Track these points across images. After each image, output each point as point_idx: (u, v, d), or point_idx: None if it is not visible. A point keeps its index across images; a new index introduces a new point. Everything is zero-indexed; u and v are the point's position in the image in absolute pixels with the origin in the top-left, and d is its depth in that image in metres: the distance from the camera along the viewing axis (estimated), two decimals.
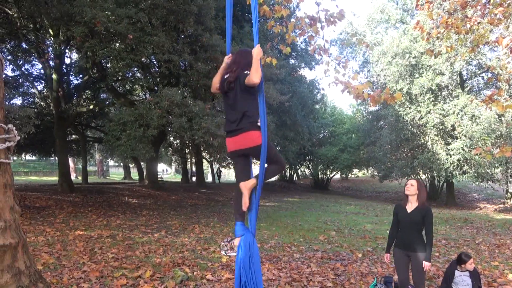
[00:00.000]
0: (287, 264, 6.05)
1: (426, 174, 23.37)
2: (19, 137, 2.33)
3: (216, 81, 3.00)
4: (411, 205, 3.87)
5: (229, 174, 49.62)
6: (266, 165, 2.78)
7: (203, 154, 24.31)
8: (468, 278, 4.10)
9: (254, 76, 2.60)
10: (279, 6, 5.13)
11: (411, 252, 3.80)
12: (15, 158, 32.51)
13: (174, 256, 6.06)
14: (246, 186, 2.73)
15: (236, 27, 15.22)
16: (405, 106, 20.73)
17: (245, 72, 2.75)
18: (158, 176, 23.86)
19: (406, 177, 22.55)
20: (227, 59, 3.05)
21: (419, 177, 23.75)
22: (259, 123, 2.72)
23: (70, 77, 16.92)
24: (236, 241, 2.77)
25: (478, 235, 10.14)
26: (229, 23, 3.08)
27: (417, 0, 7.06)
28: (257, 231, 9.39)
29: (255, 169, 3.11)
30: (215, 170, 33.48)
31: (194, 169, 32.25)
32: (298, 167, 35.33)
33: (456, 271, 4.19)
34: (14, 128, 2.30)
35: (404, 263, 3.89)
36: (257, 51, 2.70)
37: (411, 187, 3.86)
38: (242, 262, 2.70)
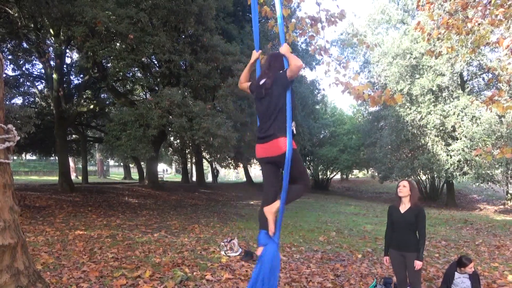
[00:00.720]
0: (286, 264, 6.05)
1: (427, 175, 23.36)
2: (19, 137, 2.33)
3: (244, 78, 3.10)
4: (404, 206, 3.92)
5: (229, 174, 49.63)
6: (289, 184, 2.67)
7: (203, 154, 24.32)
8: (468, 280, 4.09)
9: (294, 62, 2.66)
10: None
11: (406, 253, 3.85)
12: (15, 157, 32.52)
13: (174, 256, 6.06)
14: (270, 211, 2.67)
15: (237, 27, 15.22)
16: (406, 106, 20.73)
17: (280, 72, 2.81)
18: (159, 176, 23.87)
19: (406, 178, 22.58)
20: (257, 55, 3.10)
21: (419, 178, 23.77)
22: (293, 128, 2.74)
23: (71, 77, 16.91)
24: (259, 251, 2.66)
25: (478, 236, 10.13)
26: (255, 20, 3.22)
27: (418, 0, 7.05)
28: (257, 231, 9.37)
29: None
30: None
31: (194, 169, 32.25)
32: None
33: (455, 273, 4.19)
34: (14, 128, 2.30)
35: (400, 263, 3.93)
36: (286, 48, 2.78)
37: (404, 189, 3.91)
38: (263, 273, 2.55)
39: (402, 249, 3.87)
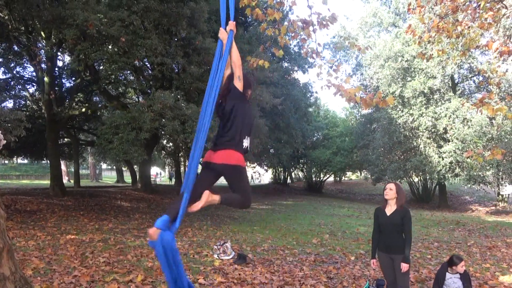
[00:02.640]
0: (280, 267, 6.03)
1: (419, 177, 23.50)
2: (5, 141, 2.30)
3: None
4: (390, 208, 3.93)
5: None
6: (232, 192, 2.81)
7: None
8: (459, 280, 4.11)
9: (237, 53, 2.88)
10: (271, 9, 5.14)
11: (393, 255, 3.87)
12: (6, 161, 32.17)
13: None
14: (208, 198, 2.69)
15: None
16: (398, 109, 20.86)
17: (233, 85, 2.89)
18: (152, 179, 23.71)
19: (399, 180, 22.70)
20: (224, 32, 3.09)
21: (411, 180, 23.91)
22: (244, 145, 2.82)
23: (62, 80, 16.78)
24: (152, 231, 2.57)
25: (470, 238, 10.20)
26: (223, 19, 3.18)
27: (409, 4, 7.11)
28: (250, 234, 9.37)
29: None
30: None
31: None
32: (291, 170, 35.35)
33: (447, 273, 4.20)
34: (1, 131, 2.27)
35: (389, 265, 3.95)
36: (231, 25, 3.01)
37: (390, 191, 3.92)
38: (171, 256, 2.59)
39: (390, 252, 3.89)
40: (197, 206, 2.67)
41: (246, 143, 2.85)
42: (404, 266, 3.74)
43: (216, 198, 2.72)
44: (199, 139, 2.75)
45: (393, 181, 4.94)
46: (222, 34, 3.03)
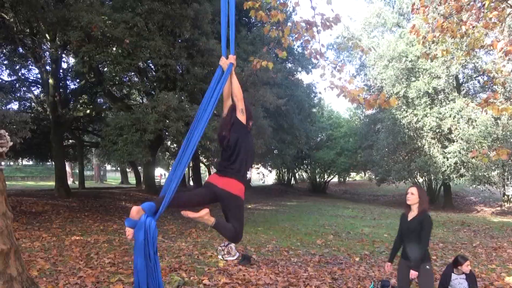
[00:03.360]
0: (284, 268, 6.03)
1: (423, 178, 23.39)
2: (12, 143, 2.32)
3: (226, 94, 3.13)
4: (413, 213, 3.73)
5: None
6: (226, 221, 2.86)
7: (201, 158, 24.28)
8: (465, 281, 4.09)
9: (237, 85, 2.96)
10: (275, 11, 5.14)
11: (410, 263, 3.68)
12: (11, 163, 32.34)
13: (171, 260, 6.03)
14: (205, 216, 2.73)
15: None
16: (402, 109, 20.78)
17: (236, 118, 2.96)
18: (156, 180, 23.74)
19: (403, 180, 22.61)
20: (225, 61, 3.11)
21: (416, 180, 23.79)
22: (248, 177, 2.91)
23: (67, 82, 16.86)
24: (135, 210, 2.56)
25: (476, 238, 10.15)
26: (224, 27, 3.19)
27: (413, 4, 7.09)
28: (255, 235, 9.38)
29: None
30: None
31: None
32: (295, 170, 35.29)
33: (452, 274, 4.18)
34: (7, 133, 2.29)
35: (404, 275, 3.75)
36: (232, 58, 3.04)
37: (412, 196, 3.71)
38: (150, 241, 2.53)
39: (408, 260, 3.72)
40: (189, 214, 2.72)
41: (249, 174, 2.93)
42: (412, 274, 3.57)
43: (211, 220, 2.75)
44: (183, 161, 2.77)
45: (415, 184, 4.65)
46: (222, 62, 3.07)
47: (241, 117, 2.94)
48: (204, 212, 2.71)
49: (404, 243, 3.82)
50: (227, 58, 3.07)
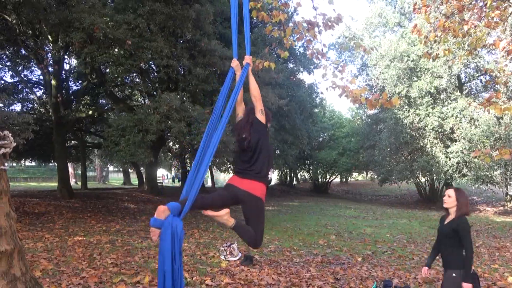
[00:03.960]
0: (286, 268, 6.03)
1: (426, 177, 23.35)
2: (15, 144, 2.33)
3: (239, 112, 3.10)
4: (450, 217, 3.45)
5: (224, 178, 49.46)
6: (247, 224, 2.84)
7: None
8: None
9: (255, 85, 2.92)
10: (277, 11, 5.15)
11: (444, 269, 3.49)
12: (14, 164, 32.46)
13: None
14: (224, 216, 2.72)
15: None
16: (404, 109, 20.75)
17: (255, 119, 2.93)
18: (160, 181, 23.73)
19: (405, 180, 22.57)
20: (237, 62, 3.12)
21: (418, 180, 23.74)
22: (269, 178, 2.90)
23: (69, 83, 16.93)
24: (162, 210, 2.54)
25: (478, 238, 10.12)
26: (234, 27, 3.33)
27: (415, 4, 7.09)
28: None
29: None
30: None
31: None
32: (297, 171, 35.29)
33: None
34: (10, 134, 2.30)
35: (444, 282, 3.51)
36: (248, 59, 3.04)
37: (449, 199, 3.42)
38: (178, 245, 2.50)
39: (443, 266, 3.51)
40: (209, 212, 2.70)
41: (270, 175, 2.92)
42: (465, 286, 3.23)
43: (231, 220, 2.72)
44: (205, 160, 2.74)
45: (453, 186, 4.11)
46: (235, 63, 3.06)
47: (261, 117, 2.91)
48: (224, 211, 2.69)
49: (440, 249, 3.55)
50: (239, 59, 3.07)
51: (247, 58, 3.03)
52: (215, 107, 2.90)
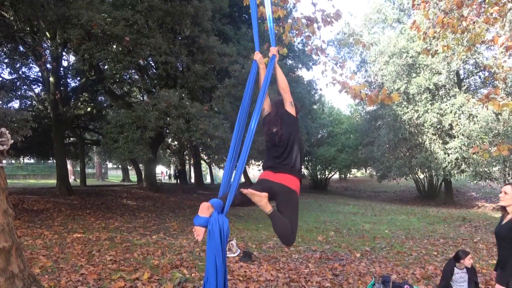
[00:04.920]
0: (285, 264, 6.04)
1: (424, 174, 23.38)
2: (12, 141, 2.32)
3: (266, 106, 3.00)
4: (508, 217, 3.13)
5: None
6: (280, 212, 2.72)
7: (202, 155, 24.30)
8: (466, 274, 4.10)
9: (283, 77, 2.86)
10: (275, 7, 5.13)
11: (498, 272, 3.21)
12: (13, 161, 32.43)
13: (172, 258, 6.05)
14: (263, 199, 2.56)
15: (233, 28, 15.21)
16: (403, 105, 20.75)
17: (284, 111, 2.85)
18: (157, 178, 23.73)
19: (404, 177, 22.59)
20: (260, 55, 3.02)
21: (417, 176, 23.77)
22: (302, 171, 2.83)
23: (68, 80, 16.89)
24: (206, 207, 2.46)
25: (476, 234, 10.16)
26: (254, 18, 3.16)
27: (413, 0, 7.07)
28: (256, 231, 9.39)
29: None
30: (192, 170, 31.97)
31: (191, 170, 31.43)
32: None
33: (455, 268, 4.18)
34: (8, 131, 2.29)
35: None
36: (274, 50, 2.94)
37: (505, 196, 3.11)
38: (224, 240, 2.46)
39: (500, 271, 3.21)
40: (248, 192, 2.54)
41: (303, 169, 2.84)
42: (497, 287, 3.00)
43: (269, 207, 2.57)
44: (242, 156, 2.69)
45: (510, 182, 3.59)
46: (257, 56, 2.95)
47: (291, 109, 2.83)
48: (264, 194, 2.54)
49: (499, 252, 3.22)
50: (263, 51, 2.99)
51: (273, 50, 2.91)
52: (242, 101, 2.81)
